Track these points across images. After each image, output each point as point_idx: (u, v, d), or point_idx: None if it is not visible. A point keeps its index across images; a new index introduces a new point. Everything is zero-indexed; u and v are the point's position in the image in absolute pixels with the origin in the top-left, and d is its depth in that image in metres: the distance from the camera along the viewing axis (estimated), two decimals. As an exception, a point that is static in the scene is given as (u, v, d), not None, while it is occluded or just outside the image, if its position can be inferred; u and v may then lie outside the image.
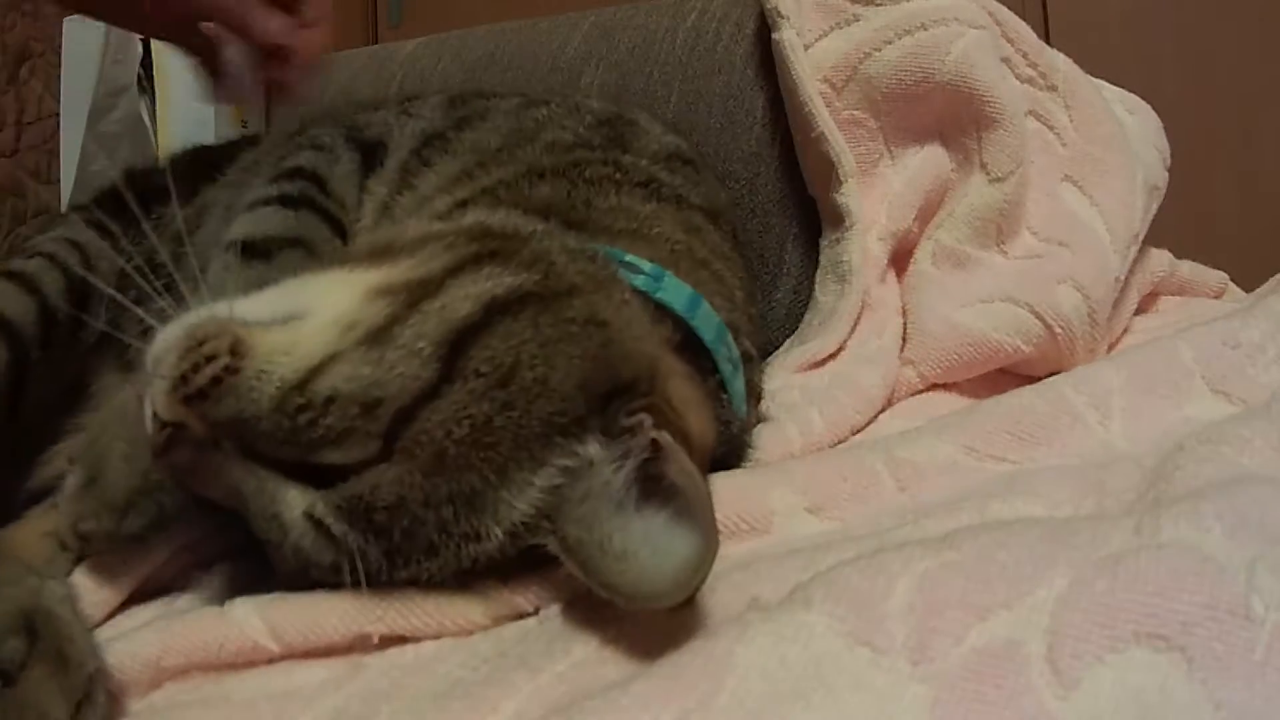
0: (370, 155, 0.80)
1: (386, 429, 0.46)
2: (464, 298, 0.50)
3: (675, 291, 0.61)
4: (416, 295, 0.50)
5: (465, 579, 0.49)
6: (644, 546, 0.45)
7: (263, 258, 0.68)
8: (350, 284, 0.53)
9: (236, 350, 0.48)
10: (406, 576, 0.48)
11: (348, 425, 0.46)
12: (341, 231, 0.75)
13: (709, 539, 0.43)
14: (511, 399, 0.47)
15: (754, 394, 0.71)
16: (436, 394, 0.47)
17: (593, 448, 0.48)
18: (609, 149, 0.77)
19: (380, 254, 0.56)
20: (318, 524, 0.47)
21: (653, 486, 0.47)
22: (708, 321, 0.62)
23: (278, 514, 0.48)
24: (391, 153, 0.80)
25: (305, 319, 0.51)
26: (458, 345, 0.48)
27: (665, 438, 0.46)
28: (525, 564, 0.50)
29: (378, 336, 0.48)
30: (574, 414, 0.48)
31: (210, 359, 0.48)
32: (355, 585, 0.47)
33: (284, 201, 0.73)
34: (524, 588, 0.50)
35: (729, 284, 0.72)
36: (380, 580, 0.48)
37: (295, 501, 0.48)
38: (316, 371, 0.47)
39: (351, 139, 0.81)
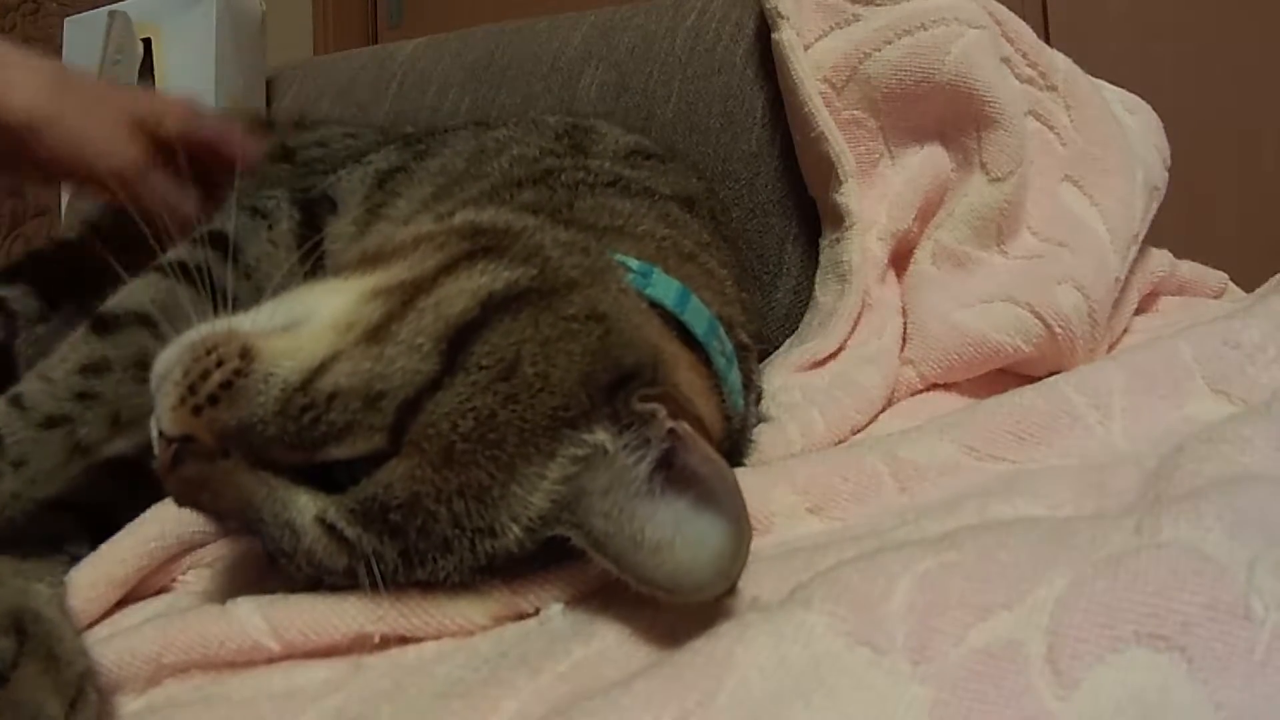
0: (314, 211, 0.79)
1: (393, 422, 0.47)
2: (459, 293, 0.50)
3: (664, 287, 0.61)
4: (411, 293, 0.51)
5: (481, 577, 0.49)
6: (677, 537, 0.45)
7: (103, 331, 0.66)
8: (346, 290, 0.53)
9: (245, 354, 0.49)
10: (424, 577, 0.48)
11: (350, 419, 0.47)
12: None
13: (742, 525, 0.43)
14: (514, 392, 0.48)
15: (751, 387, 0.71)
16: (439, 386, 0.47)
17: (601, 435, 0.48)
18: (574, 155, 0.78)
19: (373, 260, 0.56)
20: (330, 528, 0.47)
21: (676, 476, 0.47)
22: (698, 316, 0.62)
23: (290, 521, 0.48)
24: (345, 199, 0.80)
25: (304, 325, 0.51)
26: (457, 341, 0.48)
27: (684, 427, 0.46)
28: (530, 564, 0.50)
29: (376, 334, 0.49)
30: (578, 408, 0.48)
31: (220, 364, 0.48)
32: (372, 589, 0.47)
33: (171, 270, 0.69)
34: (525, 588, 0.50)
35: (718, 276, 0.72)
36: (397, 582, 0.48)
37: (307, 507, 0.48)
38: (318, 371, 0.48)
39: (296, 200, 0.81)
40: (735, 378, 0.64)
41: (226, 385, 0.48)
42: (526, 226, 0.58)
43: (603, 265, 0.57)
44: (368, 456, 0.47)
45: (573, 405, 0.48)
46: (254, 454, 0.48)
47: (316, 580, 0.50)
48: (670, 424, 0.47)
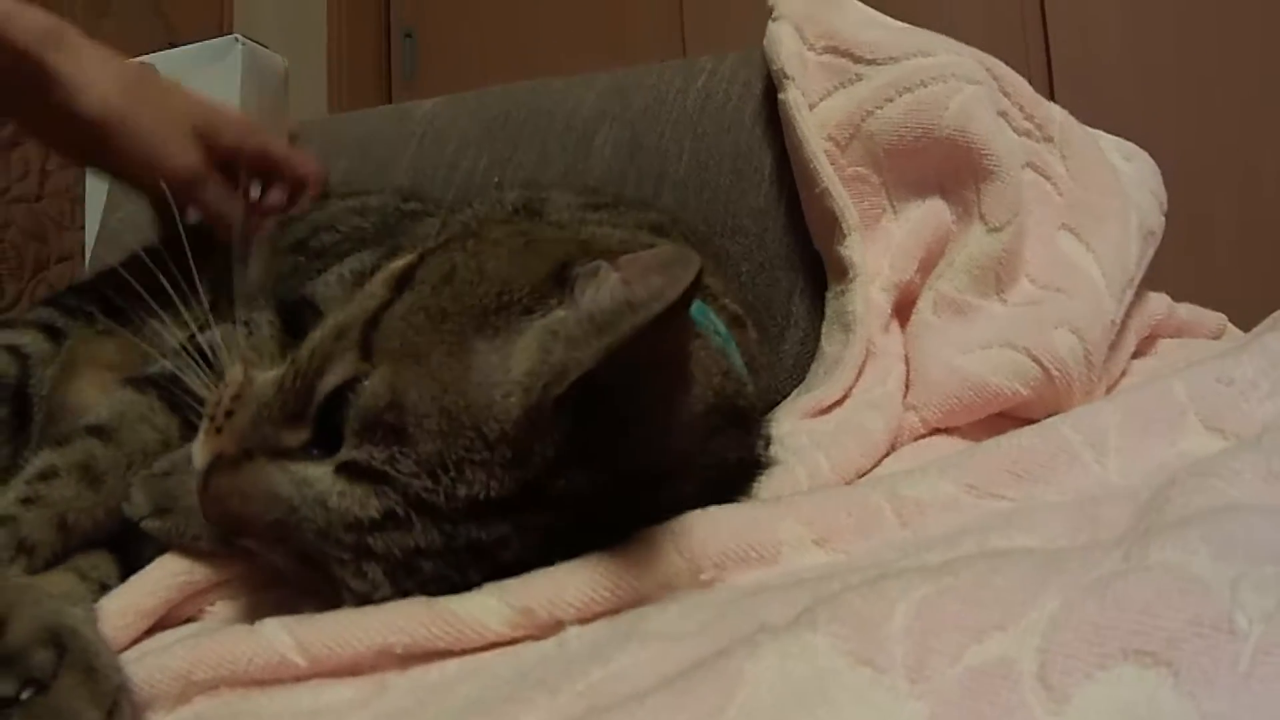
0: (298, 319, 0.81)
1: (359, 339, 0.53)
2: (403, 258, 0.60)
3: None
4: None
5: (514, 476, 0.50)
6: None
7: (57, 445, 0.67)
8: None
9: (249, 378, 0.57)
10: (457, 485, 0.50)
11: (327, 353, 0.53)
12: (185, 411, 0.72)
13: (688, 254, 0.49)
14: (457, 291, 0.54)
15: (755, 368, 0.75)
16: (391, 305, 0.54)
17: (558, 312, 0.52)
18: (533, 219, 0.84)
19: None
20: (344, 467, 0.51)
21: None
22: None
23: (316, 495, 0.51)
24: (327, 304, 0.80)
25: None
26: (403, 279, 0.56)
27: (625, 259, 0.51)
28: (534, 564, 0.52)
29: (345, 303, 0.58)
30: (519, 292, 0.53)
31: (229, 389, 0.57)
32: (419, 515, 0.50)
33: (144, 384, 0.72)
34: (540, 597, 0.51)
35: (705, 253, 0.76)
36: (435, 503, 0.50)
37: (325, 474, 0.51)
38: (300, 355, 0.56)
39: (277, 310, 0.83)
40: (736, 355, 0.68)
41: (236, 398, 0.56)
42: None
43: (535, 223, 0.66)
44: (352, 382, 0.51)
45: (514, 290, 0.53)
46: (270, 445, 0.53)
47: (369, 552, 0.52)
48: (616, 271, 0.51)
